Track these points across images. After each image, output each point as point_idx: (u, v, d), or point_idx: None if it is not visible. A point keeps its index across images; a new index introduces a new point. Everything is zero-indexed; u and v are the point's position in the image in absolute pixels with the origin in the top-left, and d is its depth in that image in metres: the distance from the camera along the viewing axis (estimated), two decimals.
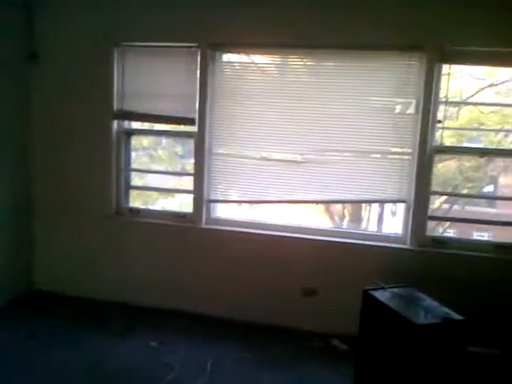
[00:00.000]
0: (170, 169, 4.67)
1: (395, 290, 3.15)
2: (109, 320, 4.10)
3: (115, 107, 4.24)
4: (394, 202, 4.08)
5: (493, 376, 3.42)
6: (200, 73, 4.01)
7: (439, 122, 3.76)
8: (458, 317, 2.78)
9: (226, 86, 4.07)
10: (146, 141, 4.83)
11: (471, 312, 2.85)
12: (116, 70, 4.20)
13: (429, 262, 3.77)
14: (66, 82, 4.30)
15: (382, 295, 3.05)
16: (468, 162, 4.25)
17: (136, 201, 4.73)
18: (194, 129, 4.12)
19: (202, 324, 4.08)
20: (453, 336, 2.76)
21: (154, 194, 4.87)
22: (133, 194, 4.64)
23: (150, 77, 4.17)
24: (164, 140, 4.72)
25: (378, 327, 3.01)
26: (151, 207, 4.73)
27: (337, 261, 3.94)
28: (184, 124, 4.17)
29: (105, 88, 4.20)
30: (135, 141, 4.63)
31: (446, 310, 2.85)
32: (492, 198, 4.48)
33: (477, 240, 4.16)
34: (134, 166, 4.58)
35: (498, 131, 4.29)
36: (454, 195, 4.37)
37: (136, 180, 4.68)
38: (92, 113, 4.26)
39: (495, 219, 4.11)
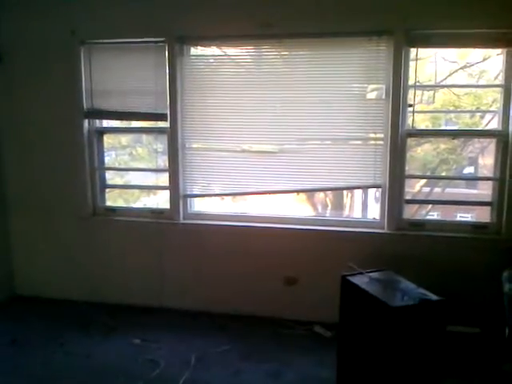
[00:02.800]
0: (150, 166, 4.63)
1: (373, 274, 3.14)
2: (90, 320, 4.07)
3: (85, 106, 4.20)
4: (370, 187, 4.07)
5: (474, 354, 3.47)
6: (169, 67, 3.98)
7: (410, 106, 3.76)
8: (434, 297, 2.78)
9: (197, 79, 4.04)
10: (124, 139, 4.81)
11: (450, 292, 2.88)
12: (83, 68, 4.15)
13: (406, 245, 3.79)
14: (33, 82, 4.25)
15: (359, 280, 3.05)
16: (444, 145, 4.27)
17: (118, 200, 4.73)
18: (166, 124, 4.09)
19: (184, 319, 4.09)
20: (430, 316, 2.76)
21: (136, 192, 4.84)
22: (114, 193, 4.62)
23: (118, 74, 4.13)
24: (144, 137, 4.69)
25: (356, 312, 3.01)
26: (128, 205, 4.71)
27: (317, 249, 3.95)
28: (156, 120, 4.15)
29: (73, 87, 4.16)
30: (113, 139, 4.63)
31: (422, 291, 2.85)
32: (465, 179, 4.52)
33: (454, 221, 4.20)
34: (115, 165, 4.55)
35: (469, 112, 4.32)
36: (428, 178, 4.41)
37: (117, 179, 4.67)
38: (62, 113, 4.22)
39: (476, 200, 4.15)
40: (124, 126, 4.45)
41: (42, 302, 4.43)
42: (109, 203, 4.53)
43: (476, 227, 3.83)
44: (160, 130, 4.19)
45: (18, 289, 4.61)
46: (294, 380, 3.23)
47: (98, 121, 4.34)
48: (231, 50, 4.11)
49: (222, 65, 4.11)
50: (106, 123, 4.42)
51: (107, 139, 4.50)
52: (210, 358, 3.49)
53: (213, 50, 4.15)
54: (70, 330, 3.92)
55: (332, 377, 3.19)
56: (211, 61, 4.15)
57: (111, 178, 4.62)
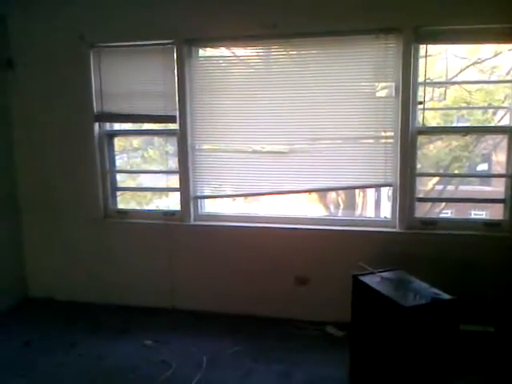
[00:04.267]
0: (161, 168, 4.64)
1: (384, 273, 3.13)
2: (102, 322, 4.11)
3: (95, 109, 4.23)
4: (381, 186, 4.05)
5: (488, 353, 3.42)
6: (177, 69, 4.00)
7: (420, 103, 3.73)
8: (447, 296, 2.75)
9: (206, 81, 4.05)
10: (136, 142, 4.83)
11: (463, 291, 2.85)
12: (93, 72, 4.18)
13: (418, 243, 3.76)
14: (43, 86, 4.29)
15: (370, 280, 3.04)
16: (456, 142, 4.22)
17: (130, 202, 4.75)
18: (175, 126, 4.10)
19: (196, 320, 4.09)
20: (443, 316, 2.74)
21: (148, 194, 4.86)
22: (126, 195, 4.65)
23: (127, 77, 4.15)
24: (156, 140, 4.69)
25: (368, 312, 2.99)
26: (139, 208, 4.73)
27: (329, 248, 3.93)
28: (165, 122, 4.16)
29: (83, 91, 4.19)
30: (125, 142, 4.64)
31: (435, 290, 2.83)
32: (477, 176, 4.46)
33: (467, 219, 4.12)
34: (127, 167, 4.59)
35: (481, 109, 4.26)
36: (440, 175, 4.35)
37: (129, 181, 4.70)
38: (72, 116, 4.26)
39: (489, 197, 4.09)
40: (134, 129, 4.47)
41: (55, 304, 4.47)
42: (121, 206, 4.55)
43: (489, 225, 3.79)
44: (170, 132, 4.19)
45: (30, 291, 4.65)
46: (306, 381, 3.21)
47: (108, 124, 4.37)
48: (240, 51, 4.12)
49: (230, 66, 4.11)
50: (119, 126, 4.44)
51: (118, 142, 4.53)
52: (221, 359, 3.49)
53: (221, 51, 4.15)
54: (83, 332, 3.95)
55: (344, 377, 3.19)
56: (220, 62, 4.15)
57: (123, 180, 4.66)
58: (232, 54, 4.13)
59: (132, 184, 4.82)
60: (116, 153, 4.50)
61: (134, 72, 4.13)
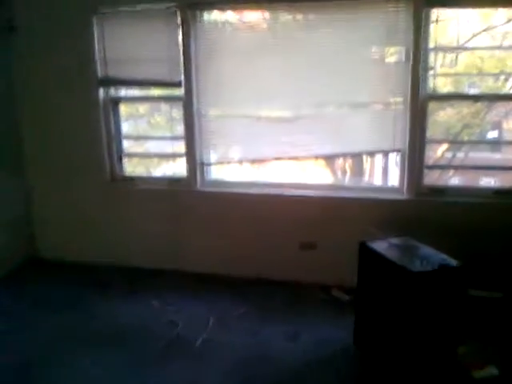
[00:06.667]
0: (168, 134, 4.60)
1: (392, 240, 3.11)
2: (111, 283, 4.15)
3: (99, 74, 4.17)
4: (389, 152, 4.01)
5: (496, 319, 3.42)
6: (182, 34, 3.91)
7: (431, 68, 3.65)
8: (454, 263, 2.74)
9: (211, 45, 3.95)
10: (142, 108, 4.80)
11: (472, 257, 2.84)
12: (96, 37, 4.10)
13: (426, 211, 3.73)
14: (47, 52, 4.21)
15: (378, 246, 3.02)
16: (467, 109, 4.17)
17: (138, 168, 4.76)
18: (181, 92, 4.05)
19: (203, 282, 4.12)
20: (450, 282, 2.73)
21: (156, 160, 4.85)
22: (134, 161, 4.67)
23: (131, 42, 4.05)
24: (162, 106, 4.63)
25: (375, 277, 2.99)
26: (146, 174, 4.73)
27: (336, 215, 3.91)
28: (170, 87, 4.12)
29: (87, 56, 4.12)
30: (131, 108, 4.59)
31: (442, 256, 2.81)
32: (487, 143, 4.40)
33: (476, 187, 4.10)
34: (135, 133, 4.55)
35: (493, 75, 4.18)
36: (450, 142, 4.30)
37: (137, 147, 4.71)
38: (76, 81, 4.20)
39: (499, 164, 4.05)
40: (139, 95, 4.43)
41: (64, 265, 4.50)
42: (129, 171, 4.54)
43: (499, 192, 3.74)
44: (175, 98, 4.14)
45: (40, 251, 4.69)
46: (311, 342, 3.25)
47: (113, 90, 4.31)
48: (245, 15, 4.01)
49: (236, 30, 4.00)
50: (124, 92, 4.38)
51: (125, 108, 4.48)
52: (227, 321, 3.53)
53: (226, 16, 4.05)
54: (91, 293, 3.99)
55: (349, 339, 3.21)
56: (225, 26, 4.05)
57: (131, 146, 4.63)
58: (237, 19, 4.03)
59: (139, 150, 4.80)
60: (122, 119, 4.46)
61: (138, 37, 4.03)
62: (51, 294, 3.98)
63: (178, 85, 4.04)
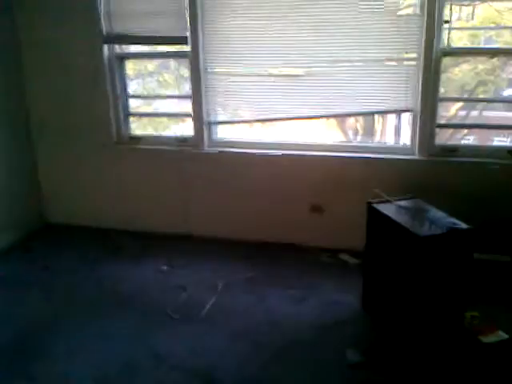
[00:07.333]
0: (177, 93, 4.53)
1: (401, 202, 3.07)
2: (120, 247, 4.17)
3: (104, 30, 4.06)
4: (401, 111, 3.89)
5: (504, 282, 3.41)
6: None
7: (446, 22, 3.50)
8: (464, 226, 2.69)
9: None
10: (150, 65, 4.66)
11: (481, 220, 2.78)
12: None
13: (437, 171, 3.66)
14: (49, 9, 4.10)
15: (386, 208, 2.98)
16: (482, 65, 4.01)
17: (147, 128, 4.67)
18: (187, 48, 3.93)
19: (210, 246, 4.12)
20: (460, 245, 2.69)
21: (165, 120, 4.75)
22: (143, 121, 4.60)
23: None
24: (172, 63, 4.51)
25: (383, 240, 2.96)
26: (153, 133, 4.63)
27: (345, 176, 3.85)
28: (177, 43, 4.01)
29: (91, 11, 3.99)
30: (139, 66, 4.49)
31: (452, 220, 2.76)
32: (502, 101, 4.25)
33: (489, 146, 3.99)
34: (143, 92, 4.50)
35: (508, 28, 3.99)
36: (464, 100, 4.16)
37: (145, 107, 4.62)
38: (81, 38, 4.10)
39: None
40: (145, 51, 4.29)
41: (74, 229, 4.53)
42: (138, 131, 4.48)
43: (511, 152, 3.64)
44: (182, 55, 4.03)
45: (51, 217, 4.70)
46: (319, 305, 3.26)
47: (118, 46, 4.20)
48: None
49: None
50: (131, 48, 4.28)
51: (133, 66, 4.39)
52: (236, 284, 3.54)
53: None
54: (101, 256, 4.02)
55: (356, 303, 3.23)
56: None
57: (139, 105, 4.55)
58: None
59: (148, 109, 4.71)
60: (131, 77, 4.38)
61: None
62: (62, 259, 4.01)
63: (184, 41, 3.92)
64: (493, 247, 3.55)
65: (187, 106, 4.16)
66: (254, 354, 2.78)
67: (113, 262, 3.92)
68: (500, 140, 4.26)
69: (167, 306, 3.26)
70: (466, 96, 4.11)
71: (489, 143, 4.19)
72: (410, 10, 3.62)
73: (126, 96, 4.36)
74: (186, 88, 4.16)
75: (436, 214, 2.87)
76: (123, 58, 4.25)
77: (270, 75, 3.96)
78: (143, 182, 4.35)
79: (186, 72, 4.18)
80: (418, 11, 3.51)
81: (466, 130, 4.32)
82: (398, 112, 3.97)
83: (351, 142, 4.49)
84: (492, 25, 3.97)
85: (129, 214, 4.43)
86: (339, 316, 3.13)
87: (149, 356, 2.77)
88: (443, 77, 3.68)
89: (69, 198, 4.59)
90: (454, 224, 2.71)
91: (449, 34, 3.55)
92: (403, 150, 3.87)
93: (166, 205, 4.34)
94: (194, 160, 4.18)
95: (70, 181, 4.55)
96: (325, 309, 3.21)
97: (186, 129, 4.39)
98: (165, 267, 3.81)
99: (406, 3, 3.64)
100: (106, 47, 4.12)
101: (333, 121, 4.37)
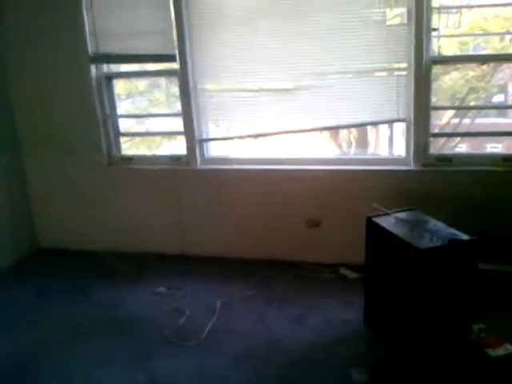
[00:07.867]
0: (169, 111, 4.51)
1: (399, 214, 3.02)
2: (115, 270, 4.09)
3: (90, 50, 4.01)
4: (393, 121, 3.86)
5: (507, 292, 3.36)
6: (173, 3, 3.74)
7: (434, 30, 3.49)
8: (465, 237, 2.64)
9: (204, 13, 3.77)
10: (141, 84, 4.66)
11: (482, 230, 2.75)
12: (85, 11, 3.93)
13: (434, 181, 3.62)
14: (34, 30, 4.06)
15: (385, 221, 2.93)
16: (472, 72, 4.03)
17: (140, 147, 4.65)
18: (176, 66, 3.90)
19: (207, 265, 4.05)
20: (461, 257, 2.64)
21: (158, 138, 4.75)
22: (136, 141, 4.57)
23: (121, 14, 3.88)
24: (162, 82, 4.52)
25: (383, 254, 2.91)
26: (144, 153, 4.59)
27: (341, 189, 3.80)
28: (164, 62, 3.97)
29: (77, 31, 3.96)
30: (130, 85, 4.47)
31: (452, 230, 2.72)
32: (493, 108, 4.26)
33: (484, 154, 3.97)
34: (135, 111, 4.47)
35: (499, 35, 4.01)
36: (455, 108, 4.16)
37: (138, 126, 4.61)
38: (67, 58, 4.06)
39: (506, 130, 3.92)
40: (134, 70, 4.26)
41: (66, 254, 4.45)
42: (131, 152, 4.44)
43: (507, 159, 3.61)
44: (171, 72, 4.00)
45: (41, 242, 4.63)
46: (319, 323, 3.18)
47: (105, 66, 4.16)
48: None
49: None
50: (119, 68, 4.25)
51: (124, 85, 4.38)
52: (234, 304, 3.47)
53: None
54: (96, 281, 3.93)
55: (358, 319, 3.16)
56: None
57: (131, 125, 4.53)
58: None
59: (140, 129, 4.69)
60: (122, 97, 4.35)
61: (128, 9, 3.86)
62: (56, 284, 3.93)
63: (172, 58, 3.88)
64: (496, 257, 3.51)
65: (179, 124, 4.13)
66: (256, 377, 2.71)
67: (108, 286, 3.84)
68: (493, 146, 4.27)
69: (166, 330, 3.18)
70: (457, 104, 4.11)
71: (482, 150, 4.19)
72: (397, 20, 3.60)
73: (115, 116, 4.31)
74: (178, 106, 4.13)
75: (436, 225, 2.83)
76: (111, 77, 4.21)
77: (260, 90, 3.93)
78: (136, 202, 4.29)
79: (176, 90, 4.15)
80: (405, 21, 3.50)
81: (458, 138, 4.33)
82: (391, 122, 3.95)
83: (346, 154, 4.46)
84: (479, 32, 3.99)
85: (122, 236, 4.36)
86: (342, 333, 3.06)
87: (148, 383, 2.69)
88: (434, 85, 3.67)
89: (60, 222, 4.51)
90: (455, 235, 2.66)
91: (438, 42, 3.54)
92: (398, 160, 3.84)
93: (159, 225, 4.27)
94: (187, 178, 4.14)
95: (60, 204, 4.47)
96: (327, 326, 3.14)
97: (178, 147, 4.36)
98: (161, 289, 3.74)
99: (393, 13, 3.63)
100: (93, 67, 4.08)
101: (326, 133, 4.35)
